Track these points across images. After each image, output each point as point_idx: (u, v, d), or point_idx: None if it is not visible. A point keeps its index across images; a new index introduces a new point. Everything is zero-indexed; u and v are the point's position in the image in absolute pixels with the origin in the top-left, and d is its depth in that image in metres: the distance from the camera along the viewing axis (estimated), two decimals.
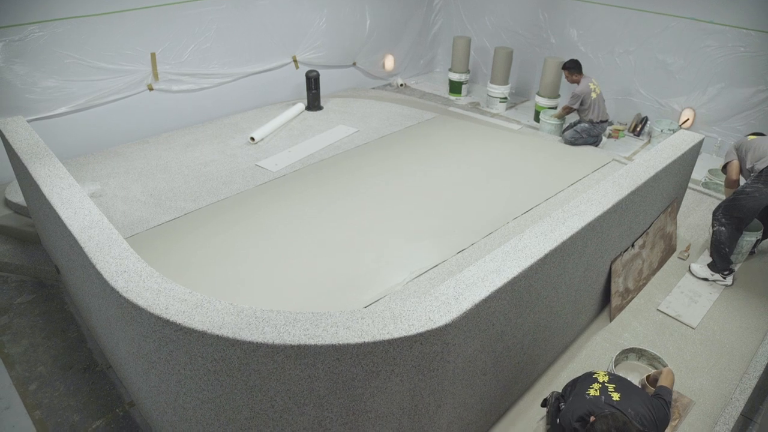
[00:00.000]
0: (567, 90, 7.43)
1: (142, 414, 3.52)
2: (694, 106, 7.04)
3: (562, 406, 2.88)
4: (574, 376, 3.15)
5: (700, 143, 4.65)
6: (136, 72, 6.25)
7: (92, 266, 2.65)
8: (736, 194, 4.39)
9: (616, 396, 2.68)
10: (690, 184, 5.75)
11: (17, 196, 5.26)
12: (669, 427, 3.30)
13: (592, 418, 2.60)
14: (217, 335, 2.15)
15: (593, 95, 6.47)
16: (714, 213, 4.56)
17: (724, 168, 4.76)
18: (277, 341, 2.11)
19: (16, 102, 5.54)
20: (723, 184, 5.56)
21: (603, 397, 2.70)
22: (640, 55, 7.33)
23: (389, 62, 9.21)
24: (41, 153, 3.83)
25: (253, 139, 6.24)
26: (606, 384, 2.78)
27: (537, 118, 7.74)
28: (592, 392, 2.75)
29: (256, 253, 4.30)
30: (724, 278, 4.54)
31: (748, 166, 4.46)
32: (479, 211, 4.91)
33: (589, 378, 2.87)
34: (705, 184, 6.19)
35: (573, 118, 7.19)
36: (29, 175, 3.63)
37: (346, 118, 7.11)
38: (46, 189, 3.36)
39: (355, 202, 5.07)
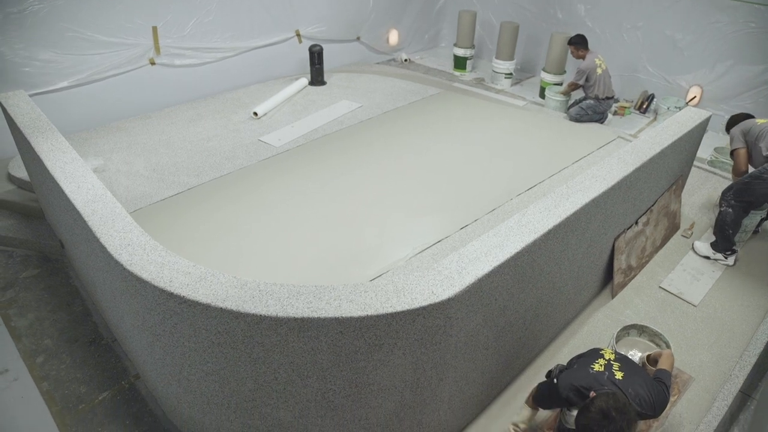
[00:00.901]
0: (573, 66, 7.35)
1: (148, 386, 3.56)
2: (702, 83, 6.95)
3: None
4: (576, 352, 3.16)
5: (707, 121, 4.61)
6: (137, 46, 6.19)
7: (96, 240, 2.66)
8: (752, 178, 4.31)
9: (619, 375, 2.69)
10: (695, 162, 5.71)
11: (20, 171, 5.27)
12: (669, 402, 3.33)
13: (592, 393, 2.62)
14: (221, 308, 2.16)
15: (599, 71, 6.39)
16: (723, 193, 4.52)
17: (732, 154, 4.68)
18: (281, 314, 2.12)
19: (16, 76, 5.50)
20: (729, 162, 5.53)
21: (606, 373, 2.71)
22: (648, 31, 7.22)
23: (393, 37, 9.10)
24: (43, 127, 3.81)
25: (256, 114, 6.21)
26: (612, 362, 2.78)
27: (542, 95, 7.66)
28: (596, 367, 2.76)
29: (259, 228, 4.31)
30: (726, 258, 4.54)
31: (765, 153, 4.37)
32: (482, 188, 4.89)
33: (595, 353, 2.88)
34: (711, 163, 6.15)
35: (578, 94, 7.12)
36: (32, 150, 3.62)
37: (350, 93, 7.06)
38: (49, 163, 3.35)
39: (359, 177, 5.06)
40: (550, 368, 3.26)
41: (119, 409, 3.49)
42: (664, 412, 3.27)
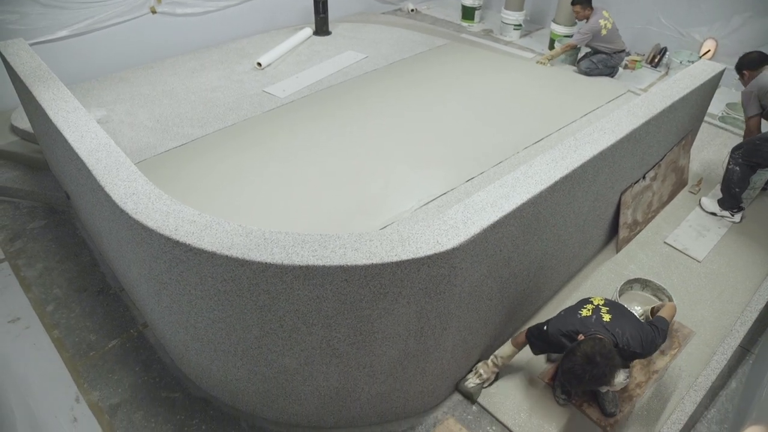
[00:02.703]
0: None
1: (155, 334, 3.63)
2: (717, 36, 6.76)
3: None
4: None
5: (721, 74, 4.49)
6: None
7: (101, 189, 2.66)
8: (763, 141, 4.22)
9: (607, 317, 2.73)
10: (706, 118, 5.61)
11: (23, 123, 5.23)
12: (669, 356, 3.37)
13: (580, 336, 2.65)
14: (227, 255, 2.17)
15: (603, 32, 6.22)
16: (732, 151, 4.43)
17: (747, 120, 4.50)
18: (286, 262, 2.13)
19: (13, 25, 5.39)
20: (741, 119, 5.43)
21: (594, 317, 2.74)
22: None
23: None
24: (45, 76, 3.76)
25: (259, 64, 6.10)
26: (600, 306, 2.82)
27: (552, 47, 7.48)
28: (584, 312, 2.79)
29: (264, 179, 4.29)
30: (732, 216, 4.51)
31: None
32: (489, 140, 4.84)
33: (584, 301, 2.92)
34: (722, 119, 6.04)
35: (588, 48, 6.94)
36: (34, 100, 3.58)
37: (355, 43, 6.91)
38: (51, 113, 3.32)
39: (364, 129, 5.00)
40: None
41: (128, 357, 3.56)
42: (664, 363, 3.32)
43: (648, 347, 2.70)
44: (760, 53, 4.47)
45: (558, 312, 2.95)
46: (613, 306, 2.84)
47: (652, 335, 2.74)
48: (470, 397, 3.14)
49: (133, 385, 3.37)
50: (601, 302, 2.86)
